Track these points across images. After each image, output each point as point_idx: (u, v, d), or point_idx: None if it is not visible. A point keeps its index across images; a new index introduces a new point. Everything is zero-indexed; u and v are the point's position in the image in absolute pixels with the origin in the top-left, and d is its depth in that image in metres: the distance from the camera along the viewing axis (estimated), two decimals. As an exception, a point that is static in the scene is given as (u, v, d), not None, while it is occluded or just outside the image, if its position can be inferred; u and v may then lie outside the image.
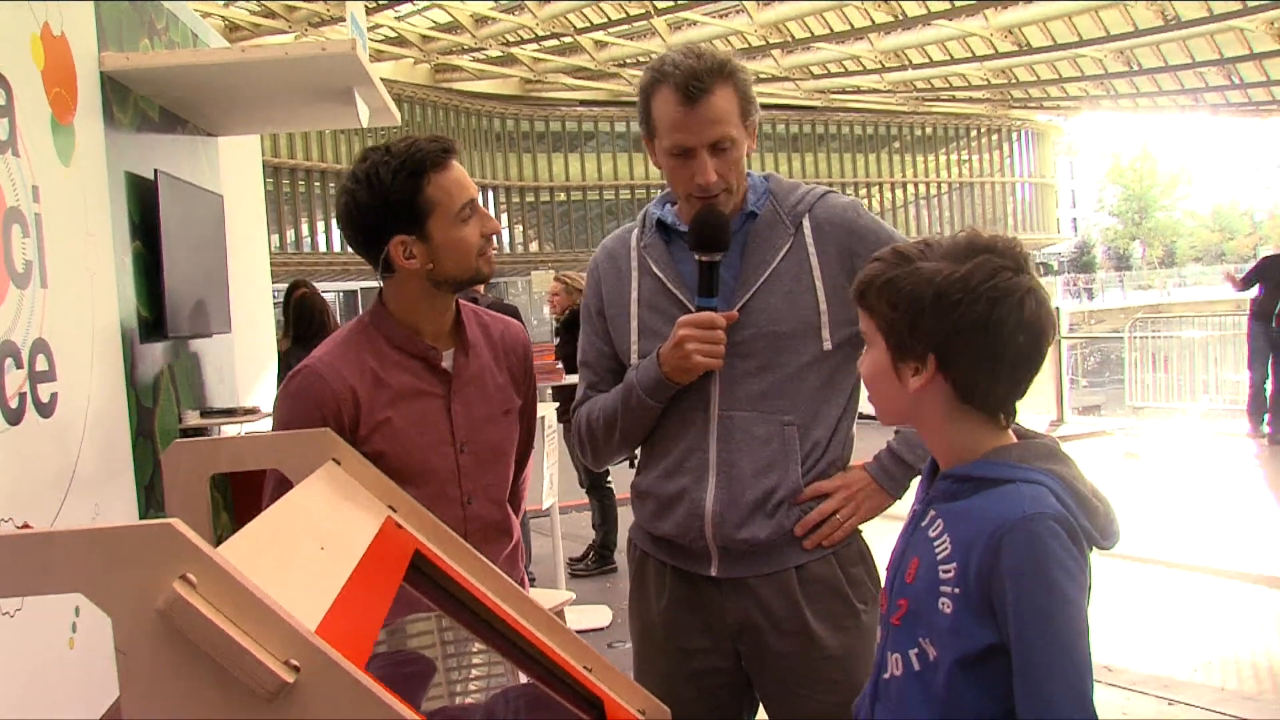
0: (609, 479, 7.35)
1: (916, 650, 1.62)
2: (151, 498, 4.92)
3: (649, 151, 2.37)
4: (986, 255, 1.58)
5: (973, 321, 1.56)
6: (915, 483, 1.89)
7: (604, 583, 7.00)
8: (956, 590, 1.56)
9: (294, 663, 0.96)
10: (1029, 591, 1.50)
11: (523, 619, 1.71)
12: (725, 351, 2.26)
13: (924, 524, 1.67)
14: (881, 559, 2.49)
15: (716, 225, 2.27)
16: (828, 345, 2.31)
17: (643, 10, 31.28)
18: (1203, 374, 14.39)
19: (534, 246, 47.25)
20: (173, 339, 5.28)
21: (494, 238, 2.42)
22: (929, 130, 55.72)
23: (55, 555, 0.95)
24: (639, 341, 2.40)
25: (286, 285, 7.51)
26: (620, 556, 7.35)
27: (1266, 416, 11.03)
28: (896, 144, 55.34)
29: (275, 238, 37.35)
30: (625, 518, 7.74)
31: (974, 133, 57.06)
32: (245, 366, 6.69)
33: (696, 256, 2.28)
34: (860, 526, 2.41)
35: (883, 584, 1.77)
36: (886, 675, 1.68)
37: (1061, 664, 1.49)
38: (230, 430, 5.70)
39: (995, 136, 57.72)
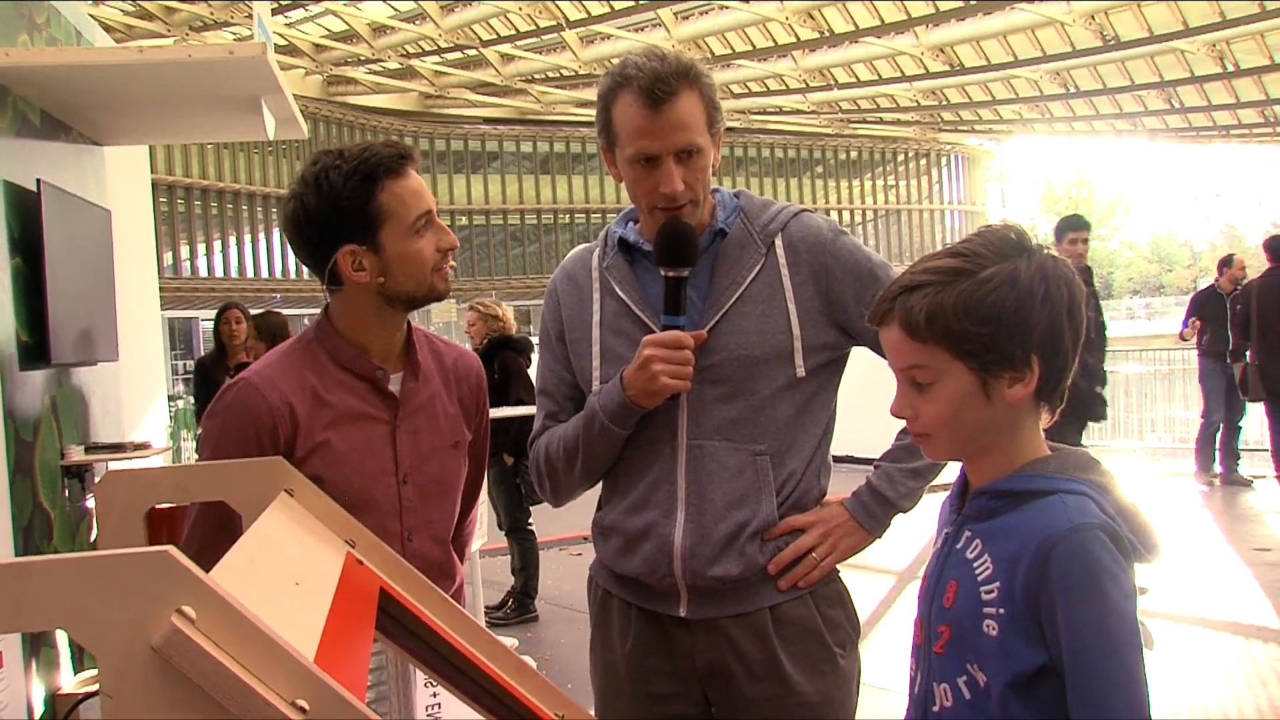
0: (530, 521, 7.30)
1: (965, 678, 1.63)
2: (30, 541, 4.79)
3: (607, 163, 2.36)
4: (1029, 241, 1.65)
5: (1060, 310, 1.62)
6: (936, 504, 1.90)
7: (525, 632, 6.94)
8: (1001, 611, 1.58)
9: (301, 703, 0.94)
10: (1081, 606, 1.52)
11: (492, 663, 1.69)
12: (693, 378, 2.26)
13: (959, 545, 1.68)
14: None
15: (683, 238, 2.27)
16: (800, 372, 2.32)
17: (553, 23, 31.39)
18: (1149, 411, 14.71)
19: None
20: (55, 366, 5.17)
21: (450, 254, 2.39)
22: (854, 154, 56.50)
23: (33, 588, 0.92)
24: (601, 367, 2.38)
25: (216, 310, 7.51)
26: (541, 604, 7.30)
27: (1217, 456, 11.28)
28: (819, 168, 56.04)
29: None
30: (546, 563, 7.77)
31: (901, 157, 57.98)
32: (133, 398, 6.56)
33: (662, 272, 2.27)
34: (839, 566, 2.41)
35: (918, 612, 1.78)
36: (936, 708, 1.68)
37: (1119, 680, 1.51)
38: (119, 468, 5.58)
39: (924, 161, 58.69)
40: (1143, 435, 14.56)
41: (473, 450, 2.55)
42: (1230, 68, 26.46)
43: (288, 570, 1.33)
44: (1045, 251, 1.65)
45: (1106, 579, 1.52)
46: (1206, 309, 11.17)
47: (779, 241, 2.36)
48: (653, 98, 2.20)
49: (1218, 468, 11.27)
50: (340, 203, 2.24)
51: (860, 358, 2.48)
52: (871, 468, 2.43)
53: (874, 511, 2.37)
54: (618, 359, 2.35)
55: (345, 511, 1.70)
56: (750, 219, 2.39)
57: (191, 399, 11.91)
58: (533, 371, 2.77)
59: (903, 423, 2.38)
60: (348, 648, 1.23)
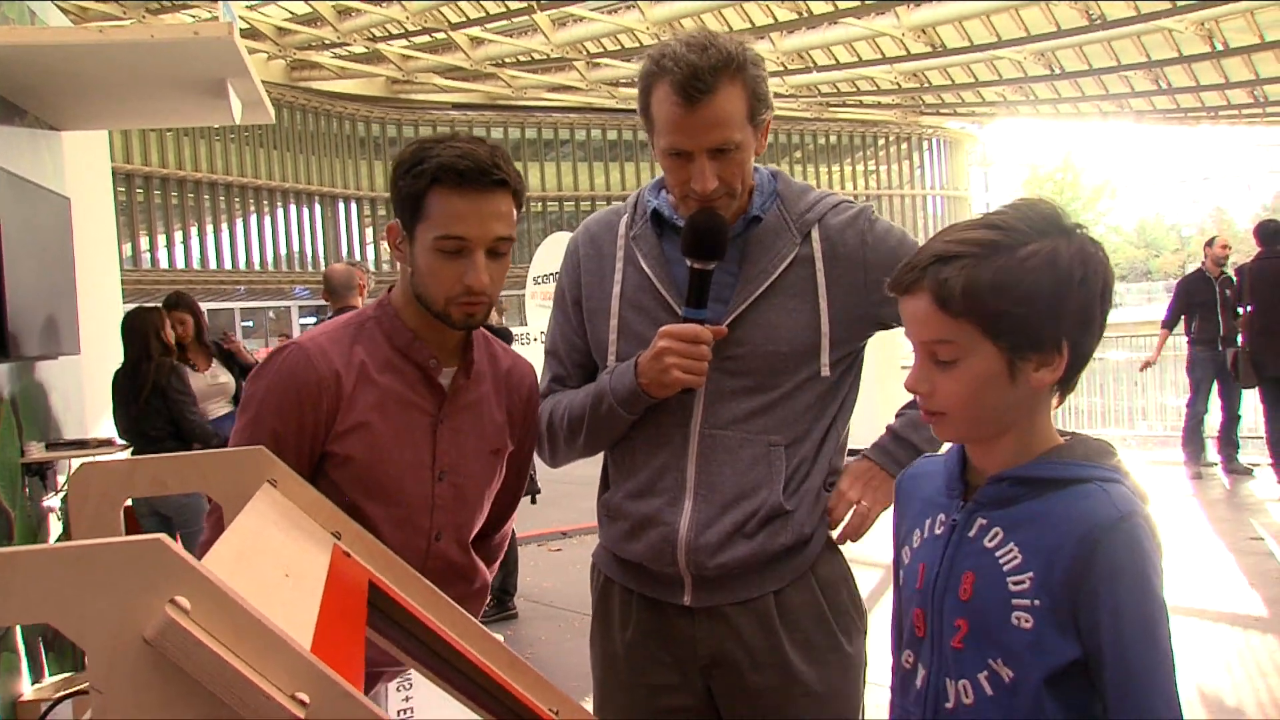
0: (508, 516, 7.28)
1: (987, 674, 1.61)
2: (-11, 543, 4.75)
3: (650, 142, 2.34)
4: (1066, 219, 1.63)
5: (1094, 295, 1.61)
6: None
7: (504, 630, 6.92)
8: (1037, 602, 1.56)
9: (301, 696, 0.92)
10: (1130, 597, 1.51)
11: (485, 657, 1.68)
12: (713, 366, 2.25)
13: (972, 534, 1.66)
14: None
15: (714, 231, 2.25)
16: (825, 372, 2.32)
17: (524, 5, 31.27)
18: (1140, 399, 14.76)
19: (401, 263, 46.47)
20: (14, 360, 5.12)
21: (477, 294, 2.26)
22: (833, 139, 56.47)
23: (18, 579, 0.90)
24: (618, 342, 2.38)
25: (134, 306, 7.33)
26: (520, 601, 7.30)
27: (1208, 446, 11.33)
28: (798, 153, 55.98)
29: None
30: (524, 559, 7.76)
31: (882, 141, 57.99)
32: (95, 392, 6.51)
33: (689, 263, 2.26)
34: (842, 549, 2.42)
35: (918, 604, 1.76)
36: (950, 704, 1.66)
37: (1162, 675, 1.52)
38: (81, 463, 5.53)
39: (905, 145, 58.73)
40: (1133, 423, 14.63)
41: (514, 461, 2.52)
42: (1219, 47, 26.50)
43: (276, 562, 1.32)
44: (1082, 232, 1.63)
45: (1151, 570, 1.53)
46: (1194, 294, 11.17)
47: (815, 233, 2.35)
48: (687, 95, 2.16)
49: (1209, 457, 11.32)
50: (401, 179, 2.24)
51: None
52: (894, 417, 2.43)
53: (898, 457, 2.37)
54: (635, 336, 2.35)
55: (330, 502, 1.69)
56: (787, 206, 2.37)
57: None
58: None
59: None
60: (342, 641, 1.21)
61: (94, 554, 0.91)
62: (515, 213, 2.29)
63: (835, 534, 2.35)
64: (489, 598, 7.34)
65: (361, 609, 1.45)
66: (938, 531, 1.73)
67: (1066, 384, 1.66)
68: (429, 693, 2.06)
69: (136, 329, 6.50)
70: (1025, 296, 1.57)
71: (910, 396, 2.36)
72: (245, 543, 1.28)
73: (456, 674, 1.67)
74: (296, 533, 1.54)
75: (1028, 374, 1.61)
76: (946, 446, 1.83)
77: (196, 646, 0.90)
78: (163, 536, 0.92)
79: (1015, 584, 1.59)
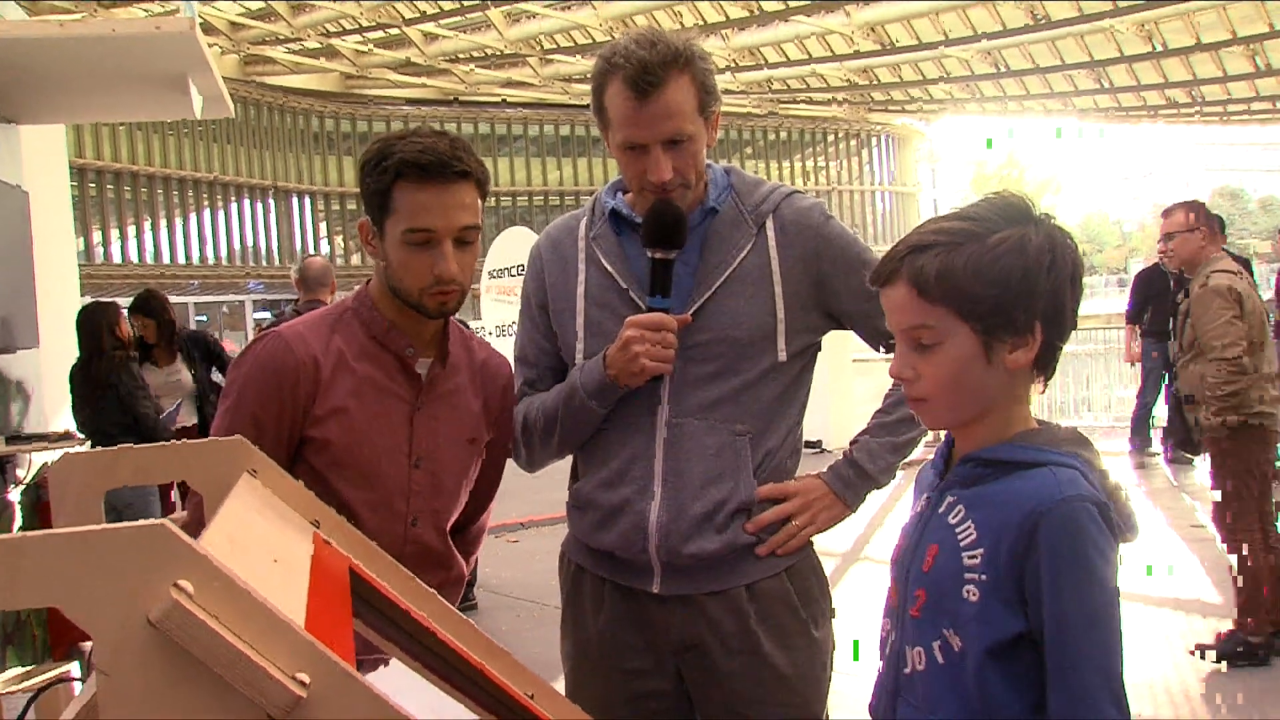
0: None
1: (940, 642, 1.67)
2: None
3: (604, 140, 2.39)
4: (1036, 210, 1.71)
5: (1064, 279, 1.67)
6: (887, 492, 1.94)
7: (463, 623, 6.93)
8: (984, 577, 1.62)
9: (302, 677, 0.94)
10: (1067, 576, 1.57)
11: (461, 642, 1.70)
12: (678, 355, 2.29)
13: (940, 510, 1.72)
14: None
15: (672, 220, 2.30)
16: (782, 356, 2.37)
17: (477, 1, 31.19)
18: (1084, 390, 14.90)
19: (355, 259, 46.44)
20: (-26, 354, 5.09)
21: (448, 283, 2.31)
22: (784, 135, 56.61)
23: (26, 564, 0.92)
24: (585, 339, 2.41)
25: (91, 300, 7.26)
26: (480, 592, 7.30)
27: (1155, 436, 11.48)
28: (749, 149, 56.04)
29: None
30: (483, 550, 7.75)
31: (831, 138, 58.15)
32: (55, 385, 6.46)
33: (650, 253, 2.30)
34: (813, 540, 2.46)
35: (891, 577, 1.81)
36: (908, 670, 1.73)
37: (1098, 654, 1.56)
38: (43, 458, 5.50)
39: (854, 142, 58.90)
40: (1079, 415, 14.78)
41: (491, 452, 2.55)
42: (1159, 47, 26.81)
43: (265, 549, 1.34)
44: (1051, 221, 1.70)
45: (1093, 552, 1.58)
46: (1151, 286, 11.30)
47: (770, 223, 2.41)
48: (639, 89, 2.23)
49: (1154, 447, 11.47)
50: (367, 176, 2.30)
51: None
52: (848, 443, 2.49)
53: (852, 484, 2.44)
54: (602, 332, 2.39)
55: (309, 491, 1.70)
56: (742, 198, 2.43)
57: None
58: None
59: (876, 403, 2.46)
60: (333, 624, 1.23)
61: (99, 539, 0.92)
62: (480, 202, 2.34)
63: (761, 549, 2.38)
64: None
65: (346, 595, 1.47)
66: (919, 508, 1.81)
67: (1044, 368, 1.72)
68: (384, 687, 2.07)
69: (90, 324, 6.44)
70: (996, 279, 1.64)
71: (874, 407, 2.45)
72: (234, 530, 1.30)
73: (435, 659, 1.69)
74: (280, 521, 1.56)
75: (1003, 355, 1.67)
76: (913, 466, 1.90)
77: (200, 628, 0.91)
78: (166, 521, 0.93)
79: (969, 558, 1.65)
